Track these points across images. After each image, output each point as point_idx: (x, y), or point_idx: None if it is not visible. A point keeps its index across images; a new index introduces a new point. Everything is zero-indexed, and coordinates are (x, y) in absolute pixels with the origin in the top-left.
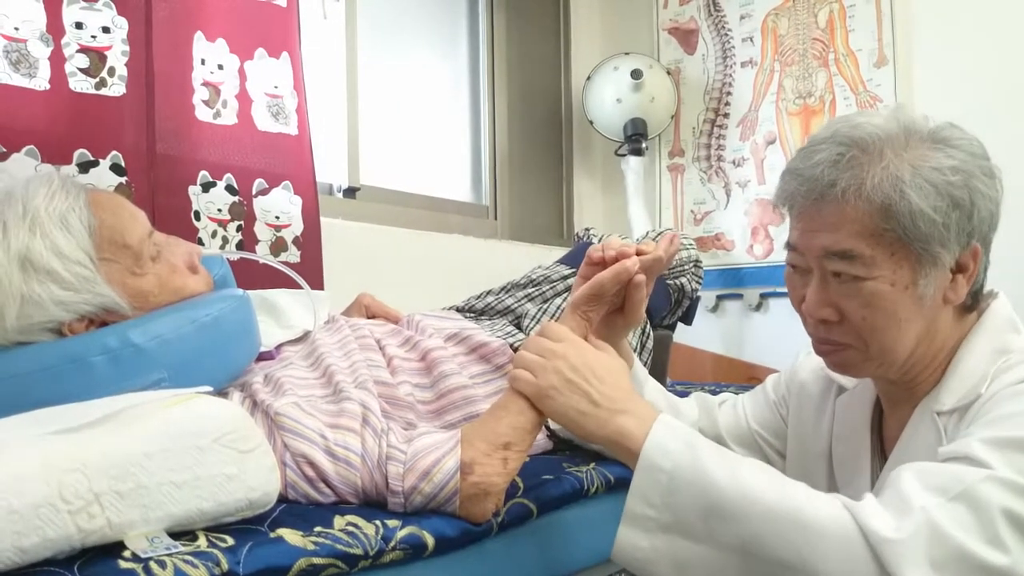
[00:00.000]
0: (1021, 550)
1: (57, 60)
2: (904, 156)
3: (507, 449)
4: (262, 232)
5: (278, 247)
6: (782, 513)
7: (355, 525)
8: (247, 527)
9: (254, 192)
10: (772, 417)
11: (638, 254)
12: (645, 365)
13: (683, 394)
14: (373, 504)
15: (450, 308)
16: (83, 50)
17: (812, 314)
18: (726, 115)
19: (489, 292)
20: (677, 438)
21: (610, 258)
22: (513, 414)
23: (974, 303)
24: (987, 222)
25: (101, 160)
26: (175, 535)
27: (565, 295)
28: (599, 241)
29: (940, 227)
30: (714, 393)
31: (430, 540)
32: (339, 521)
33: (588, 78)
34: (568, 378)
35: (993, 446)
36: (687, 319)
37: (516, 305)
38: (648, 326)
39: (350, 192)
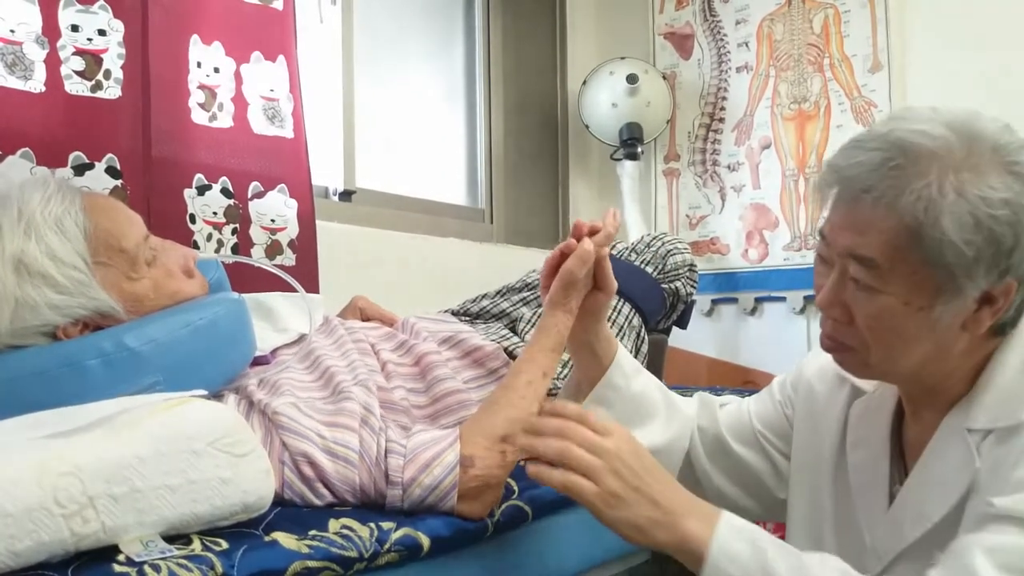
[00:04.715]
0: None
1: (53, 62)
2: (950, 179)
3: (505, 442)
4: (257, 235)
5: (274, 250)
6: None
7: (350, 528)
8: (241, 531)
9: (250, 195)
10: (776, 417)
11: (590, 234)
12: None
13: None
14: (368, 506)
15: (445, 311)
16: (79, 53)
17: (821, 307)
18: (721, 120)
19: (484, 296)
20: (742, 539)
21: (567, 251)
22: (506, 407)
23: (1001, 332)
24: None
25: (96, 163)
26: (170, 539)
27: None
28: None
29: (969, 260)
30: None
31: (425, 541)
32: (334, 524)
33: (584, 83)
34: (632, 484)
35: None
36: (682, 323)
37: (511, 309)
38: (643, 330)
39: (346, 195)
